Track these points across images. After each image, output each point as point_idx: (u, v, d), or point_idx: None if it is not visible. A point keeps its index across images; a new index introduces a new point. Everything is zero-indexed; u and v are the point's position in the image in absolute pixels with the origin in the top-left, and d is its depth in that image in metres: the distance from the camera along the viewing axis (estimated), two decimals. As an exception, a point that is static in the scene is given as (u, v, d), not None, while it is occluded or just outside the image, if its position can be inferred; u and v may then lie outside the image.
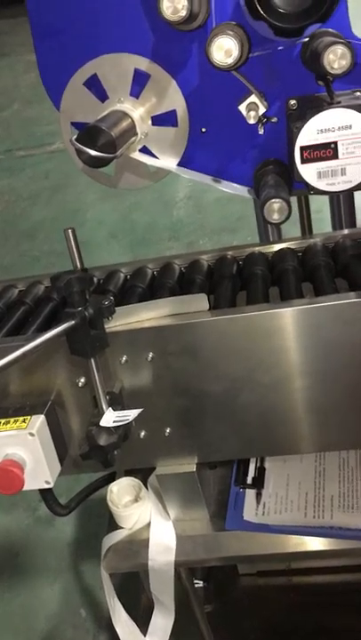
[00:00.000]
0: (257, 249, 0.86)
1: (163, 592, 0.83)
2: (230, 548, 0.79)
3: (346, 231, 0.89)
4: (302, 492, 0.81)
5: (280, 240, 0.98)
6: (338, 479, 0.81)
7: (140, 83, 0.72)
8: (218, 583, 1.22)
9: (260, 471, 0.85)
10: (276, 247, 0.85)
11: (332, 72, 0.57)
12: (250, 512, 0.80)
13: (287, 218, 0.63)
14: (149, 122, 0.74)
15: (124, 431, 0.70)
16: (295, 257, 0.84)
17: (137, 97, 0.73)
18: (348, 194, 1.08)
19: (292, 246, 0.86)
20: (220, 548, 0.80)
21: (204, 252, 0.87)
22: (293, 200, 1.14)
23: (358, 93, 0.70)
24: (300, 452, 0.81)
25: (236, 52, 0.60)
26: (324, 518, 0.77)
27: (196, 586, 1.13)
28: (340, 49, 0.56)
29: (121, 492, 0.84)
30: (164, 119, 0.74)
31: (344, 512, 0.78)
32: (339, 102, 0.64)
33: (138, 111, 0.73)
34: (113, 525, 0.84)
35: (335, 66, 0.57)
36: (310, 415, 0.73)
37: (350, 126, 0.63)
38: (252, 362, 0.71)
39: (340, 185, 0.67)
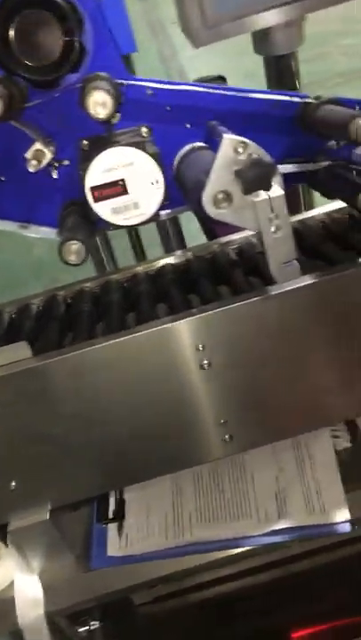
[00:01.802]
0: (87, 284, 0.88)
1: (42, 647, 0.81)
2: (98, 587, 0.79)
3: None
4: (162, 515, 0.82)
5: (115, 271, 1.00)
6: (194, 495, 0.84)
7: None
8: (115, 619, 1.20)
9: (120, 503, 0.85)
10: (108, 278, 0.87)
11: (97, 117, 0.60)
12: (113, 547, 0.80)
13: (85, 259, 0.64)
14: None
15: None
16: (120, 287, 0.86)
17: None
18: (173, 219, 1.13)
19: (118, 277, 0.89)
20: (89, 589, 0.79)
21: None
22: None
23: (144, 129, 0.74)
24: (154, 477, 0.82)
25: (-1, 107, 0.60)
26: (184, 537, 0.79)
27: (92, 627, 1.11)
28: (99, 95, 0.58)
29: (-19, 554, 0.81)
30: None
31: (202, 526, 0.80)
32: (118, 142, 0.67)
33: None
34: (-22, 591, 0.81)
35: (97, 111, 0.59)
36: (153, 442, 0.75)
37: (132, 163, 0.66)
38: (87, 399, 0.71)
39: (136, 218, 0.70)
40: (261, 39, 0.93)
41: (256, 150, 0.60)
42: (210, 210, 0.62)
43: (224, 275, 0.82)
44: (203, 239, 1.09)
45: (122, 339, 0.68)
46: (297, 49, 0.95)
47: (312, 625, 1.13)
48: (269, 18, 0.82)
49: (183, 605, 1.21)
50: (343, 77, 3.28)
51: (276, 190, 0.61)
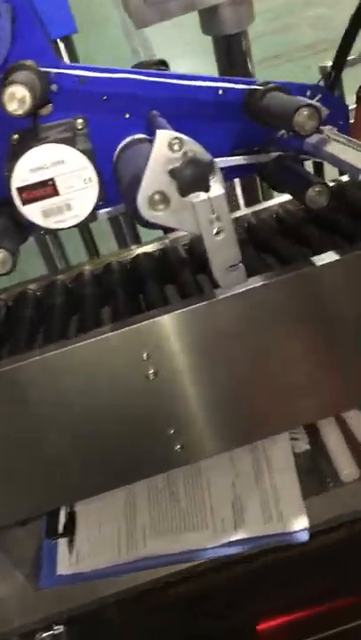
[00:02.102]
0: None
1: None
2: (45, 608, 0.76)
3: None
4: (114, 528, 0.79)
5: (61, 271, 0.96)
6: (148, 505, 0.80)
7: None
8: (81, 622, 1.18)
9: (71, 516, 0.81)
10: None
11: (15, 114, 0.54)
12: (63, 564, 0.77)
13: (12, 269, 0.59)
14: None
15: None
16: (64, 289, 0.81)
17: None
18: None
19: (64, 278, 0.84)
20: (36, 609, 0.76)
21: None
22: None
23: (79, 120, 0.68)
24: (103, 492, 0.78)
25: None
26: (138, 550, 0.76)
27: (57, 632, 1.08)
28: (14, 89, 0.53)
29: None
30: None
31: (156, 539, 0.76)
32: (46, 137, 0.61)
33: None
34: None
35: (14, 107, 0.54)
36: (100, 456, 0.70)
37: (63, 161, 0.61)
38: (28, 414, 0.67)
39: (70, 220, 0.64)
40: (209, 18, 0.87)
41: (192, 147, 0.55)
42: (145, 212, 0.57)
43: (173, 273, 0.78)
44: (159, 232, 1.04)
45: (59, 350, 0.64)
46: (247, 27, 0.90)
47: (276, 617, 1.12)
48: (216, -5, 0.77)
49: (150, 605, 1.18)
50: (310, 49, 3.21)
51: (216, 190, 0.56)
